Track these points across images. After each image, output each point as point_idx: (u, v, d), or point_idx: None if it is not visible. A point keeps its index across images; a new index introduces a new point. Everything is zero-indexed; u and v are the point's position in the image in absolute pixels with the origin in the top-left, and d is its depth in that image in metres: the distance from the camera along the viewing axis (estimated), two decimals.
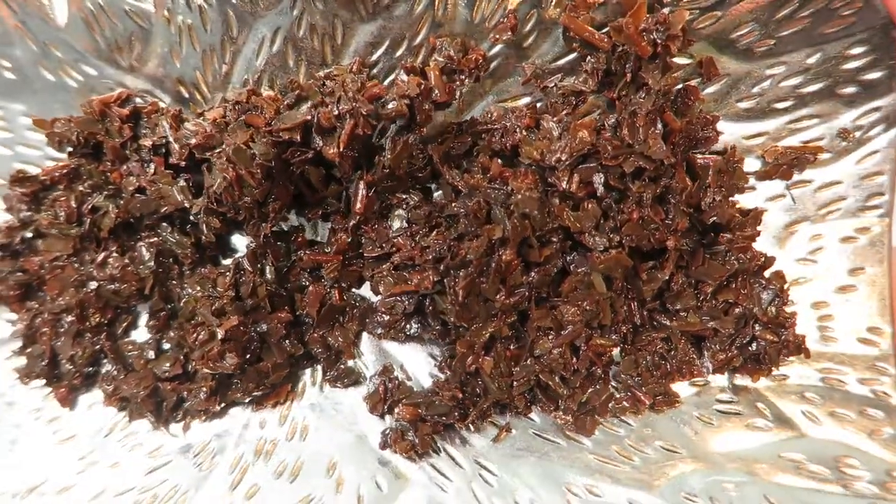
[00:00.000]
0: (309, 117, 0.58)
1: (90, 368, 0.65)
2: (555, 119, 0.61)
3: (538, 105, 0.64)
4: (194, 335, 0.60)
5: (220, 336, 0.59)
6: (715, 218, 0.61)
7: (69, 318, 0.64)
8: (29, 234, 0.66)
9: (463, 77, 0.61)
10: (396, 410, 0.64)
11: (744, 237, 0.61)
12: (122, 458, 0.64)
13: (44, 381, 0.66)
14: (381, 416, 0.64)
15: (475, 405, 0.62)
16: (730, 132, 0.63)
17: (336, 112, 0.58)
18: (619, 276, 0.60)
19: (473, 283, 0.60)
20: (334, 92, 0.58)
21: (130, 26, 0.62)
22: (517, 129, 0.62)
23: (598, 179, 0.60)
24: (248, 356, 0.61)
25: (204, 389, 0.62)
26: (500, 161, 0.63)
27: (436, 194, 0.65)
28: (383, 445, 0.63)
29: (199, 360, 0.60)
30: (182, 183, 0.61)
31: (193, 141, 0.59)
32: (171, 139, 0.61)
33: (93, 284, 0.64)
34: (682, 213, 0.60)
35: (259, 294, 0.62)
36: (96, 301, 0.64)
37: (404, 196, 0.64)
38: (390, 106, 0.58)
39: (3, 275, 0.66)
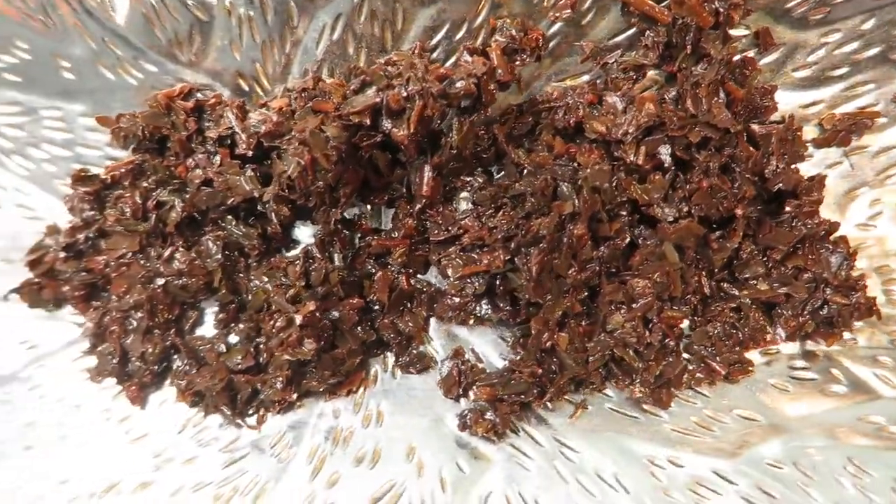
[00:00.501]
0: (378, 100, 0.58)
1: (160, 366, 0.64)
2: (618, 94, 0.61)
3: (598, 83, 0.64)
4: (271, 323, 0.60)
5: (298, 322, 0.58)
6: (780, 185, 0.61)
7: (138, 315, 0.63)
8: (92, 234, 0.65)
9: (524, 56, 0.61)
10: (472, 392, 0.63)
11: (810, 202, 0.62)
12: (198, 453, 0.63)
13: (113, 381, 0.66)
14: (456, 399, 0.64)
15: (552, 382, 0.62)
16: (786, 101, 0.64)
17: (405, 94, 0.58)
18: (692, 244, 0.61)
19: (547, 259, 0.60)
20: (402, 74, 0.59)
21: (190, 19, 0.63)
22: (580, 106, 0.62)
23: (665, 151, 0.60)
24: (322, 343, 0.60)
25: (280, 379, 0.61)
26: (562, 139, 0.63)
27: (497, 177, 0.65)
28: (462, 427, 0.62)
29: (278, 348, 0.59)
30: (249, 173, 0.60)
31: (263, 129, 0.59)
32: (237, 129, 0.61)
33: (159, 281, 0.64)
34: (747, 181, 0.61)
35: (331, 280, 0.61)
36: (164, 297, 0.63)
37: (468, 179, 0.64)
38: (459, 84, 0.58)
39: (67, 275, 0.65)
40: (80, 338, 0.67)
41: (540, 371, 0.61)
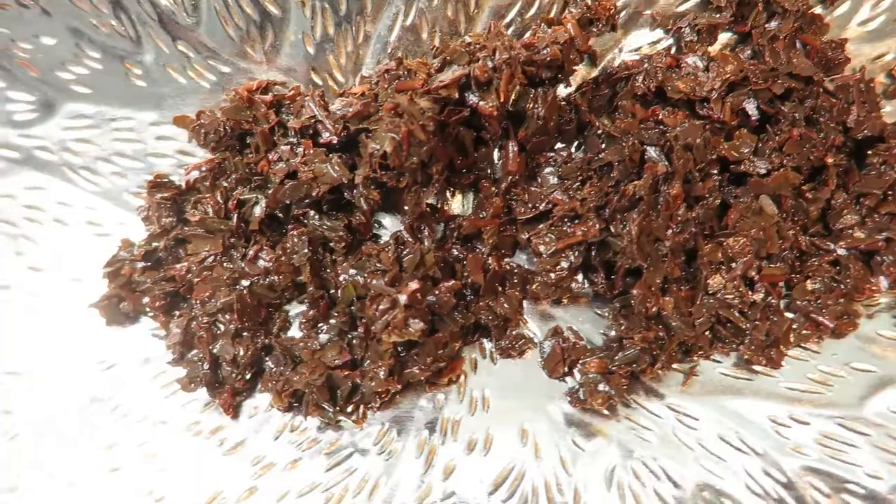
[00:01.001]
0: (466, 72, 0.57)
1: (251, 371, 0.62)
2: (697, 54, 0.62)
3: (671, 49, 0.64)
4: (373, 307, 0.58)
5: (403, 301, 0.56)
6: (866, 132, 0.61)
7: (226, 318, 0.61)
8: (171, 241, 0.64)
9: (599, 25, 0.62)
10: (579, 368, 0.61)
11: None
12: (300, 457, 0.60)
13: (198, 396, 0.63)
14: (562, 378, 0.62)
15: (661, 349, 0.60)
16: (855, 54, 0.64)
17: (491, 64, 0.58)
18: (788, 194, 0.60)
19: (645, 221, 0.59)
20: (486, 47, 0.58)
21: (263, 14, 0.62)
22: (658, 71, 0.62)
23: (751, 105, 0.60)
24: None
25: (383, 369, 0.59)
26: (642, 106, 0.63)
27: (576, 154, 0.65)
28: (576, 402, 0.60)
29: (383, 331, 0.57)
30: (336, 160, 0.59)
31: (351, 110, 0.58)
32: (321, 118, 0.60)
33: (244, 283, 0.62)
34: (833, 129, 0.61)
35: (427, 263, 0.60)
36: (251, 299, 0.61)
37: (551, 154, 0.64)
38: (544, 51, 0.58)
39: (146, 286, 0.63)
40: (157, 354, 0.64)
41: (651, 335, 0.59)
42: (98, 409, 0.63)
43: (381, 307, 0.57)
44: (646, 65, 0.63)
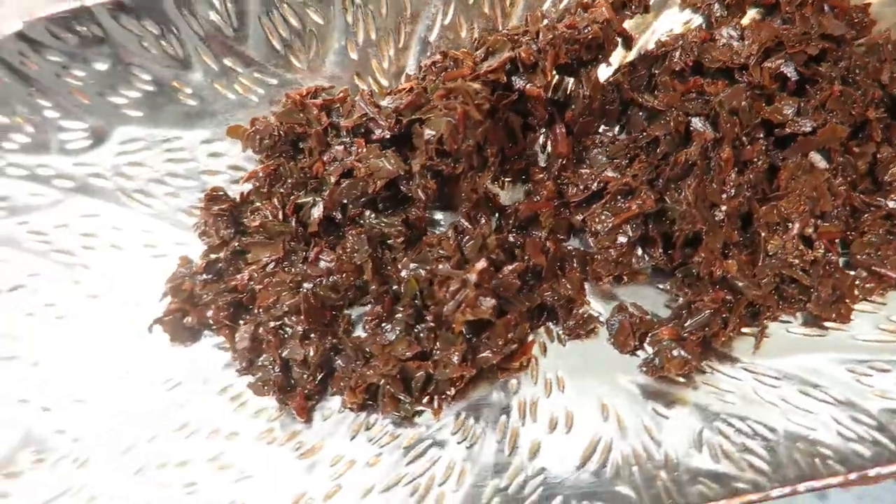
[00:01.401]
0: (513, 55, 0.59)
1: (321, 373, 0.61)
2: (729, 27, 0.64)
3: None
4: (443, 290, 0.58)
5: (473, 280, 0.57)
6: None
7: (293, 320, 0.61)
8: (230, 252, 0.64)
9: (633, 7, 0.64)
10: (650, 339, 0.61)
11: None
12: (380, 453, 0.59)
13: (268, 406, 0.62)
14: (633, 352, 0.62)
15: (731, 311, 0.60)
16: (879, 17, 0.67)
17: (536, 47, 0.59)
18: (837, 148, 0.61)
19: (701, 185, 0.59)
20: (528, 32, 0.60)
21: (308, 22, 0.64)
22: (693, 46, 0.64)
23: (790, 67, 0.62)
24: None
25: (456, 354, 0.59)
26: (680, 82, 0.65)
27: (620, 136, 0.66)
28: (652, 371, 0.59)
29: (455, 312, 0.57)
30: (390, 154, 0.60)
31: (403, 101, 0.59)
32: (372, 114, 0.61)
33: (307, 286, 0.62)
34: (870, 85, 0.63)
35: (489, 246, 0.60)
36: (315, 300, 0.61)
37: (596, 137, 0.65)
38: (585, 30, 0.60)
39: (209, 298, 0.63)
40: (221, 369, 0.64)
41: (721, 296, 0.59)
42: (167, 427, 0.62)
43: (451, 289, 0.57)
44: (681, 42, 0.65)
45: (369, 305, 0.64)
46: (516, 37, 0.62)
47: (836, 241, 0.63)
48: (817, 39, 0.62)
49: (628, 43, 0.66)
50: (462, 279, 0.57)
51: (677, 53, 0.64)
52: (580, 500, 0.54)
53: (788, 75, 0.62)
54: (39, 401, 0.64)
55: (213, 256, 0.64)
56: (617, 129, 0.66)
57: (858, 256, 0.63)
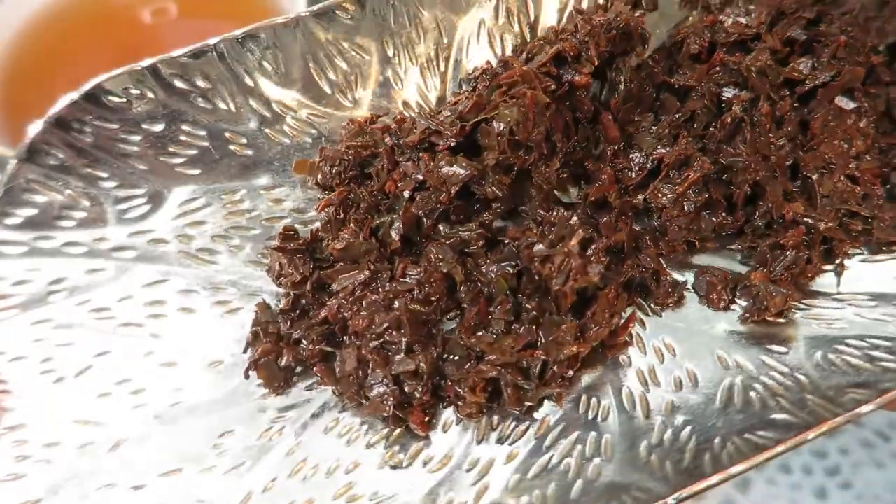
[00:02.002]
0: (559, 48, 0.63)
1: (432, 383, 0.60)
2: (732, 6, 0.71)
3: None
4: (549, 266, 0.58)
5: (577, 250, 0.57)
6: (890, 38, 0.70)
7: (394, 336, 0.60)
8: (311, 289, 0.63)
9: (644, 5, 0.70)
10: (741, 290, 0.63)
11: None
12: (516, 449, 0.57)
13: (379, 435, 0.60)
14: (726, 308, 0.63)
15: (810, 248, 0.63)
16: None
17: (576, 40, 0.64)
18: (859, 88, 0.67)
19: (753, 136, 0.64)
20: (566, 30, 0.65)
21: (353, 60, 0.67)
22: (704, 30, 0.70)
23: (797, 30, 0.69)
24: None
25: (568, 333, 0.58)
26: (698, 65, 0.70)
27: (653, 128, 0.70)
28: (754, 314, 0.61)
29: (563, 287, 0.57)
30: (460, 158, 0.62)
31: (468, 104, 0.62)
32: (434, 126, 0.63)
33: (398, 303, 0.61)
34: (866, 36, 0.70)
35: (574, 225, 0.62)
36: (409, 316, 0.60)
37: (639, 124, 0.69)
38: (617, 19, 0.65)
39: (301, 334, 0.61)
40: (325, 404, 0.61)
41: (802, 230, 0.62)
42: (283, 474, 0.58)
43: (556, 262, 0.58)
44: (691, 29, 0.71)
45: (460, 318, 0.63)
46: (551, 39, 0.66)
47: (876, 177, 0.67)
48: (812, 4, 0.69)
49: (645, 40, 0.72)
50: (565, 251, 0.58)
51: (691, 39, 0.70)
52: (741, 434, 0.53)
53: (797, 38, 0.68)
54: (128, 482, 0.59)
55: (296, 293, 0.62)
56: (653, 116, 0.70)
57: None
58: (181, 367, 0.63)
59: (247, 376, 0.61)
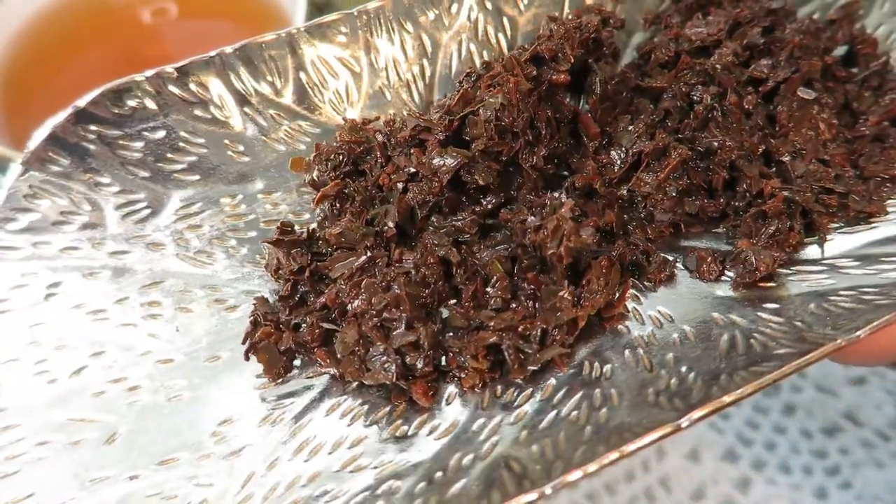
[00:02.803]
0: (537, 49, 0.68)
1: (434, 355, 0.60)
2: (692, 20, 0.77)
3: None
4: (541, 233, 0.60)
5: (568, 215, 0.59)
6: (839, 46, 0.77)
7: (395, 312, 0.60)
8: (308, 278, 0.64)
9: (612, 23, 0.76)
10: (730, 260, 0.65)
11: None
12: (522, 410, 0.57)
13: (382, 411, 0.59)
14: (717, 279, 0.64)
15: (791, 217, 0.65)
16: None
17: (552, 45, 0.69)
18: (818, 79, 0.72)
19: (725, 120, 0.68)
20: (541, 36, 0.70)
21: (343, 73, 0.71)
22: (669, 42, 0.76)
23: (755, 35, 0.74)
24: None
25: (566, 299, 0.59)
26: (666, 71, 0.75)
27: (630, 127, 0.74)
28: (745, 277, 0.62)
29: (557, 249, 0.59)
30: (449, 149, 0.65)
31: (455, 98, 0.65)
32: (423, 124, 0.67)
33: (396, 284, 0.62)
34: (819, 40, 0.76)
35: (565, 204, 0.64)
36: (407, 298, 0.61)
37: (614, 121, 0.73)
38: (587, 23, 0.70)
39: (299, 321, 0.62)
40: (326, 389, 0.61)
41: (782, 196, 0.65)
42: (285, 456, 0.57)
43: (549, 227, 0.60)
44: (657, 43, 0.76)
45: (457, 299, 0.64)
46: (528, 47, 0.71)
47: (846, 161, 0.71)
48: (765, 15, 0.76)
49: (616, 55, 0.77)
50: (557, 217, 0.60)
51: (659, 50, 0.76)
52: (746, 368, 0.53)
53: (755, 42, 0.74)
54: (124, 472, 0.57)
55: (295, 278, 0.63)
56: (629, 118, 0.74)
57: (869, 169, 0.71)
58: (178, 363, 0.62)
59: (247, 358, 0.60)
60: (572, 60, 0.68)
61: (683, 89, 0.72)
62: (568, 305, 0.59)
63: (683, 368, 0.56)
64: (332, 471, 0.55)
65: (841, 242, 0.66)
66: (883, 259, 0.63)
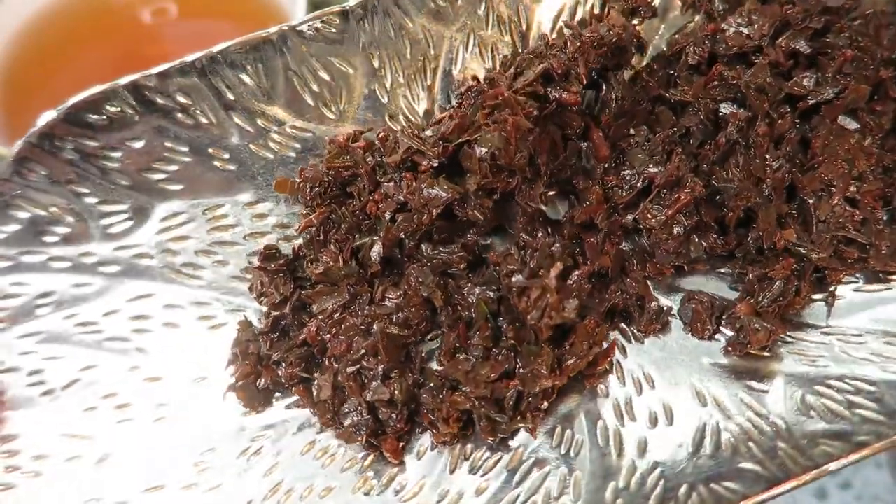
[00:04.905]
0: (546, 66, 0.61)
1: (408, 410, 0.60)
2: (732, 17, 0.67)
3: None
4: (524, 300, 0.57)
5: (553, 285, 0.57)
6: None
7: (371, 362, 0.60)
8: (292, 308, 0.63)
9: (642, 13, 0.67)
10: (726, 320, 0.61)
11: None
12: (486, 479, 0.58)
13: (352, 455, 0.61)
14: (711, 337, 0.62)
15: (799, 278, 0.61)
16: None
17: (565, 56, 0.61)
18: (863, 107, 0.64)
19: (747, 160, 0.61)
20: (554, 45, 0.63)
21: (336, 72, 0.66)
22: (705, 40, 0.67)
23: (801, 42, 0.65)
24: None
25: (544, 365, 0.58)
26: (698, 75, 0.67)
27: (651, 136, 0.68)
28: (737, 349, 0.60)
29: (540, 319, 0.57)
30: (442, 180, 0.61)
31: (451, 125, 0.60)
32: (417, 146, 0.62)
33: (377, 326, 0.61)
34: (876, 48, 0.66)
35: (556, 255, 0.60)
36: (387, 341, 0.60)
37: (631, 138, 0.67)
38: (609, 33, 0.62)
39: (280, 356, 0.62)
40: (302, 425, 0.62)
41: (791, 262, 0.60)
42: (259, 495, 0.59)
43: (532, 297, 0.57)
44: (691, 38, 0.68)
45: (440, 339, 0.63)
46: (541, 52, 0.64)
47: (878, 196, 0.65)
48: (819, 14, 0.66)
49: (642, 49, 0.69)
50: (542, 286, 0.57)
51: (690, 49, 0.67)
52: (707, 484, 0.53)
53: (801, 50, 0.65)
54: (113, 497, 0.61)
55: (275, 314, 0.62)
56: (646, 130, 0.68)
57: None
58: (166, 382, 0.64)
59: (224, 398, 0.61)
60: (584, 82, 0.61)
61: (710, 106, 0.65)
62: (545, 374, 0.58)
63: (649, 462, 0.56)
64: None
65: (851, 301, 0.62)
66: (890, 340, 0.59)
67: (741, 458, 0.54)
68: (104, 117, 0.63)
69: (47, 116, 0.62)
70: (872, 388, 0.56)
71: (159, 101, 0.64)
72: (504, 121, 0.58)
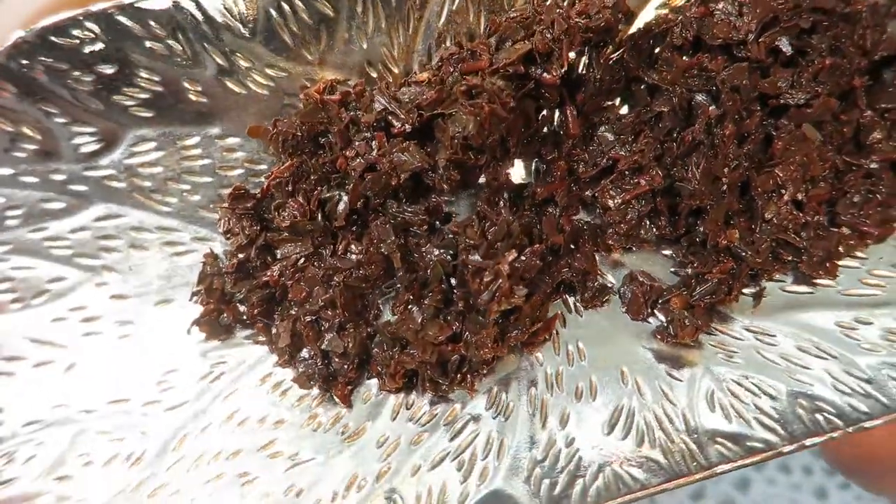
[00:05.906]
0: (529, 47, 0.61)
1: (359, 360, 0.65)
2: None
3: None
4: (477, 282, 0.61)
5: (506, 271, 0.60)
6: (883, 52, 0.67)
7: (329, 314, 0.64)
8: (258, 249, 0.65)
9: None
10: (660, 307, 0.66)
11: None
12: (422, 431, 0.64)
13: (305, 393, 0.66)
14: (645, 319, 0.67)
15: (734, 278, 0.66)
16: None
17: (550, 36, 0.61)
18: (828, 119, 0.65)
19: (707, 163, 0.63)
20: (542, 21, 0.62)
21: (318, 14, 0.64)
22: (693, 21, 0.66)
23: (784, 42, 0.65)
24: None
25: (489, 338, 0.63)
26: (680, 56, 0.67)
27: (623, 111, 0.69)
28: (666, 339, 0.65)
29: (490, 303, 0.61)
30: (412, 147, 0.62)
31: (426, 97, 0.60)
32: (393, 109, 0.62)
33: (338, 278, 0.64)
34: (856, 54, 0.66)
35: (513, 233, 0.63)
36: (347, 292, 0.64)
37: (603, 114, 0.68)
38: (597, 17, 0.61)
39: (243, 296, 0.65)
40: (256, 361, 0.67)
41: (727, 267, 0.64)
42: (217, 419, 0.65)
43: (485, 280, 0.61)
44: (680, 17, 0.67)
45: (395, 292, 0.67)
46: (527, 21, 0.63)
47: (824, 201, 0.68)
48: (809, 12, 0.65)
49: (630, 18, 0.68)
50: (495, 270, 0.60)
51: (678, 29, 0.67)
52: (613, 466, 0.60)
53: (783, 49, 0.65)
54: (80, 404, 0.66)
55: (241, 256, 0.65)
56: (619, 101, 0.68)
57: (843, 216, 0.68)
58: (132, 301, 0.67)
59: (188, 332, 0.65)
60: (566, 65, 0.62)
61: (685, 95, 0.66)
62: (488, 346, 0.63)
63: (565, 438, 0.63)
64: (253, 450, 0.65)
65: (775, 300, 0.68)
66: (802, 345, 0.65)
67: (649, 445, 0.61)
68: (76, 41, 0.61)
69: (16, 34, 0.60)
70: (776, 394, 0.62)
71: (133, 28, 0.62)
72: (480, 108, 0.59)
